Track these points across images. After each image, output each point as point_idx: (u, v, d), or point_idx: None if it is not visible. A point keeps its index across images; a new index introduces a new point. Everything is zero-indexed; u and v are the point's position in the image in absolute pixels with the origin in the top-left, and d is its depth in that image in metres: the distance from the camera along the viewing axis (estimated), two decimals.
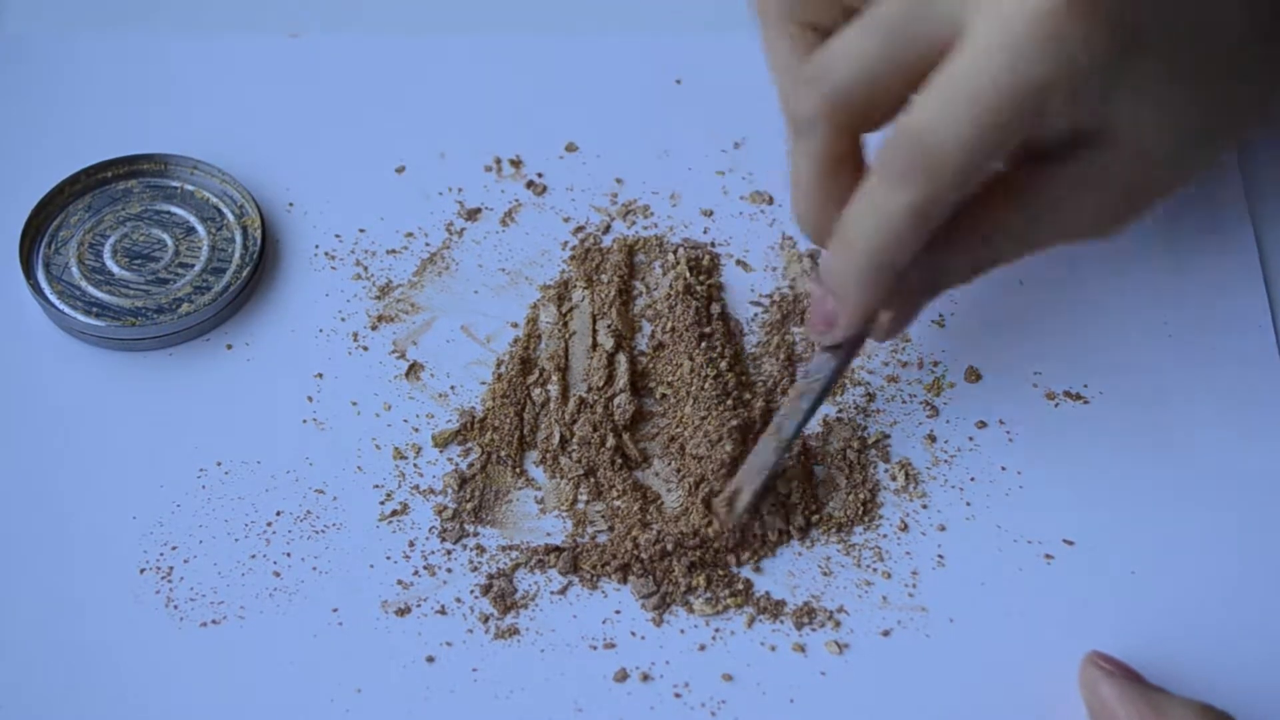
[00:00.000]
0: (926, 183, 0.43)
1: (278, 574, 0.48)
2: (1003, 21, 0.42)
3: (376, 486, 0.50)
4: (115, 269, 0.54)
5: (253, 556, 0.48)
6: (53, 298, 0.53)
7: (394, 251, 0.55)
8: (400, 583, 0.48)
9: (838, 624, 0.47)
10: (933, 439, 0.51)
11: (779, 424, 0.48)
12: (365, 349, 0.53)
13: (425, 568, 0.48)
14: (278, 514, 0.49)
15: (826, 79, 0.45)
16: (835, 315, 0.47)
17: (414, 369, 0.52)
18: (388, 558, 0.48)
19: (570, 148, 0.58)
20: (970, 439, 0.51)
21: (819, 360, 0.48)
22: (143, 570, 0.48)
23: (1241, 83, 0.47)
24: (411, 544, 0.48)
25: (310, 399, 0.52)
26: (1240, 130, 0.49)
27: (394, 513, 0.49)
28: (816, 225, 0.47)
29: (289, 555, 0.48)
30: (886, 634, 0.47)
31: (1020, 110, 0.42)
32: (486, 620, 0.47)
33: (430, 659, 0.46)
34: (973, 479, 0.50)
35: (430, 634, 0.47)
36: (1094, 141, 0.46)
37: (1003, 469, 0.50)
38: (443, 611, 0.47)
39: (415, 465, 0.50)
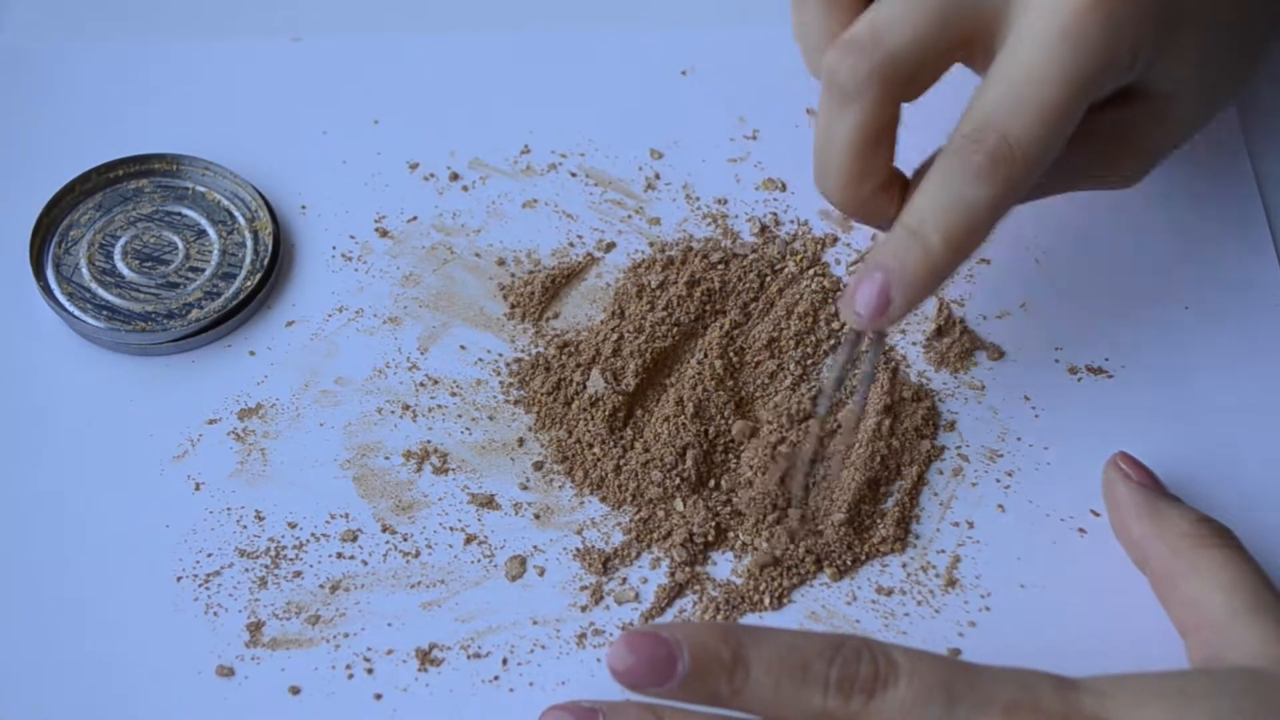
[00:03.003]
0: (1008, 176, 0.43)
1: (318, 576, 0.47)
2: (1057, 5, 0.43)
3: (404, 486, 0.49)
4: (125, 271, 0.53)
5: (290, 560, 0.47)
6: (63, 299, 0.52)
7: (411, 251, 0.55)
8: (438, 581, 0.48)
9: (880, 607, 0.47)
10: (958, 418, 0.51)
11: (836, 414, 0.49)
12: (386, 349, 0.52)
13: (439, 562, 0.48)
14: (309, 517, 0.48)
15: (879, 46, 0.44)
16: (891, 299, 0.44)
17: (433, 373, 0.52)
18: (417, 554, 0.48)
19: (581, 141, 0.58)
20: (995, 414, 0.51)
21: (851, 345, 0.47)
22: (179, 579, 0.47)
23: (1249, 32, 0.49)
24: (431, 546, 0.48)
25: (336, 403, 0.51)
26: (1247, 79, 0.52)
27: (413, 504, 0.49)
28: (849, 196, 0.47)
29: (326, 557, 0.48)
30: (931, 614, 0.47)
31: (1086, 95, 0.44)
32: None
33: (477, 654, 0.46)
34: (1001, 455, 0.50)
35: (488, 631, 0.47)
36: (1129, 97, 0.47)
37: (1030, 445, 0.51)
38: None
39: (440, 464, 0.50)
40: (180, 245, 0.53)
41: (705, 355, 0.52)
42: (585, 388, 0.51)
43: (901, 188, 0.47)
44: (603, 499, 0.49)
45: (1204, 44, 0.46)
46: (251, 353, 0.52)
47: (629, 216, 0.56)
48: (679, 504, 0.49)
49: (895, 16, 0.45)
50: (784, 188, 0.57)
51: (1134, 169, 0.50)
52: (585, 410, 0.50)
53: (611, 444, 0.50)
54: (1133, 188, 0.50)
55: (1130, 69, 0.45)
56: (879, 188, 0.47)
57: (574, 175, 0.57)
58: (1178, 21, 0.45)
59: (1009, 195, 0.44)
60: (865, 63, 0.44)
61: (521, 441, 0.50)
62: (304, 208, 0.55)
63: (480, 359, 0.52)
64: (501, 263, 0.54)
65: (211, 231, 0.54)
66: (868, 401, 0.48)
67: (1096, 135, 0.48)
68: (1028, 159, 0.43)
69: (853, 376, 0.49)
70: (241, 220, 0.54)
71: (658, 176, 0.57)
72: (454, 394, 0.51)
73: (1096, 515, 0.49)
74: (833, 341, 0.53)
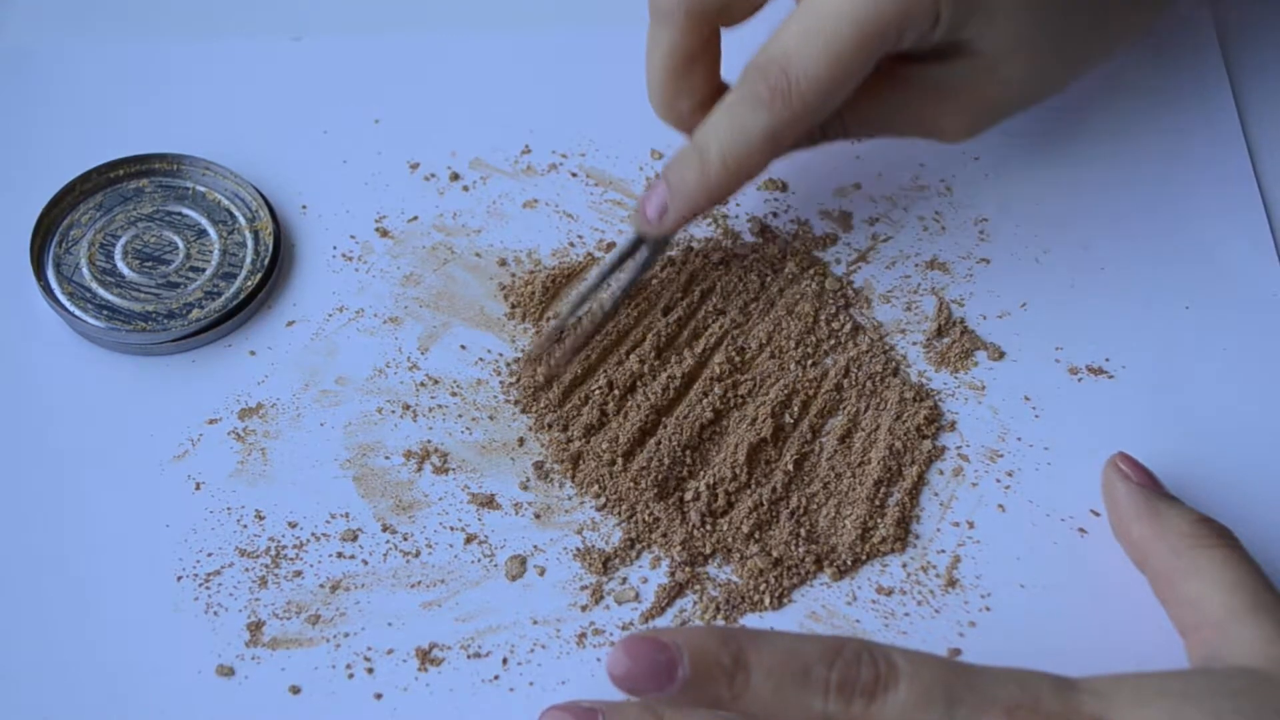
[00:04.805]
0: (785, 109, 0.46)
1: (318, 576, 0.47)
2: None
3: (404, 485, 0.49)
4: (126, 271, 0.53)
5: (290, 560, 0.48)
6: (63, 299, 0.52)
7: (412, 250, 0.55)
8: (431, 584, 0.48)
9: (880, 607, 0.47)
10: (958, 418, 0.51)
11: (596, 300, 0.52)
12: (386, 349, 0.52)
13: (452, 566, 0.48)
14: (309, 517, 0.48)
15: None
16: (668, 208, 0.49)
17: (433, 373, 0.52)
18: (417, 554, 0.48)
19: (581, 141, 0.58)
20: (995, 414, 0.51)
21: (626, 247, 0.51)
22: (180, 578, 0.47)
23: (1102, 9, 0.50)
24: (432, 545, 0.48)
25: (337, 402, 0.51)
26: (1102, 54, 0.53)
27: (413, 503, 0.49)
28: (668, 111, 0.51)
29: (326, 556, 0.48)
30: (932, 614, 0.47)
31: (875, 44, 0.46)
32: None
33: (477, 654, 0.46)
34: (1002, 455, 0.50)
35: (485, 632, 0.47)
36: (954, 53, 0.49)
37: (1030, 445, 0.51)
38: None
39: (440, 464, 0.50)
40: (181, 245, 0.53)
41: (705, 355, 0.52)
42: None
43: None
44: (602, 499, 0.49)
45: (1022, 12, 0.47)
46: (252, 352, 0.52)
47: (629, 216, 0.56)
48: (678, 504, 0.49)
49: None
50: (784, 188, 0.57)
51: (957, 125, 0.51)
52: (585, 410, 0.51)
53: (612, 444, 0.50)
54: (961, 141, 0.52)
55: (932, 26, 0.47)
56: (698, 105, 0.51)
57: (574, 175, 0.57)
58: None
59: (786, 127, 0.47)
60: None
61: (522, 441, 0.50)
62: (304, 208, 0.56)
63: (480, 359, 0.52)
64: (502, 263, 0.54)
65: (212, 231, 0.54)
66: (620, 298, 0.52)
67: (916, 86, 0.50)
68: (804, 97, 0.46)
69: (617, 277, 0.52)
70: (242, 220, 0.54)
71: (658, 176, 0.57)
72: (454, 394, 0.51)
73: (1096, 515, 0.49)
74: (833, 341, 0.53)
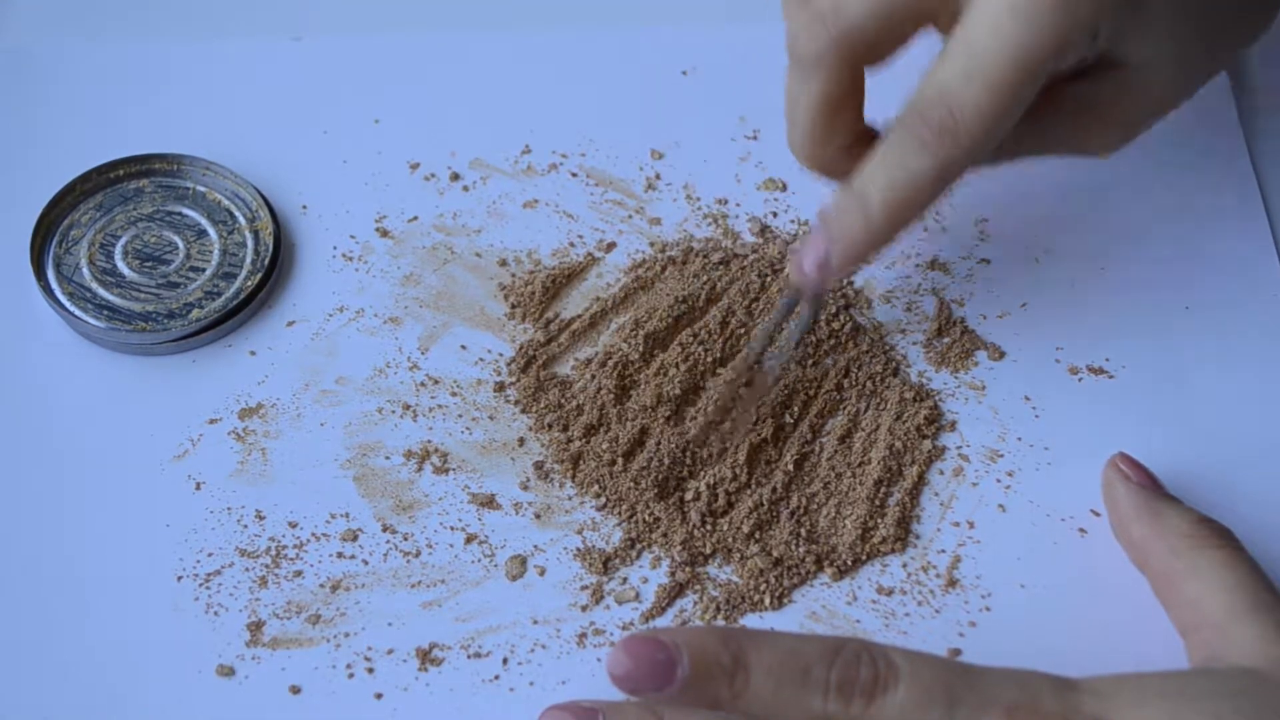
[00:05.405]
0: (954, 147, 0.44)
1: (319, 576, 0.47)
2: None
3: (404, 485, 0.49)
4: (126, 271, 0.53)
5: (290, 559, 0.48)
6: (63, 299, 0.52)
7: (412, 250, 0.55)
8: (431, 584, 0.48)
9: (881, 608, 0.47)
10: (958, 418, 0.51)
11: (763, 364, 0.50)
12: (387, 349, 0.52)
13: (452, 566, 0.48)
14: (309, 517, 0.48)
15: (839, 18, 0.46)
16: (828, 259, 0.47)
17: (433, 373, 0.52)
18: (417, 554, 0.48)
19: (581, 141, 0.58)
20: (995, 414, 0.51)
21: (789, 302, 0.49)
22: (180, 578, 0.47)
23: (1233, 6, 0.49)
24: (433, 545, 0.48)
25: (337, 402, 0.51)
26: (1233, 50, 0.52)
27: (414, 503, 0.49)
28: (815, 159, 0.49)
29: (326, 556, 0.48)
30: (932, 614, 0.47)
31: (1037, 73, 0.44)
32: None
33: (477, 654, 0.46)
34: (1002, 455, 0.50)
35: (484, 631, 0.47)
36: (1103, 68, 0.47)
37: (1030, 445, 0.51)
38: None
39: (440, 463, 0.50)
40: (181, 245, 0.53)
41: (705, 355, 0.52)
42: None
43: (871, 146, 0.48)
44: (602, 499, 0.49)
45: (1175, 17, 0.46)
46: (252, 352, 0.52)
47: (629, 216, 0.56)
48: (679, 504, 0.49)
49: None
50: (784, 188, 0.57)
51: (1107, 139, 0.50)
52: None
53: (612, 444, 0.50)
54: (1108, 157, 0.51)
55: (1090, 46, 0.45)
56: (844, 149, 0.49)
57: (574, 175, 0.57)
58: None
59: (952, 167, 0.45)
60: (824, 34, 0.46)
61: (522, 441, 0.50)
62: (304, 208, 0.56)
63: (481, 359, 0.52)
64: (502, 263, 0.54)
65: (212, 231, 0.54)
66: (786, 362, 0.50)
67: (1066, 105, 0.48)
68: (972, 134, 0.44)
69: (780, 336, 0.50)
70: (242, 220, 0.54)
71: (658, 176, 0.57)
72: (454, 394, 0.51)
73: (1096, 515, 0.49)
74: (833, 341, 0.53)
